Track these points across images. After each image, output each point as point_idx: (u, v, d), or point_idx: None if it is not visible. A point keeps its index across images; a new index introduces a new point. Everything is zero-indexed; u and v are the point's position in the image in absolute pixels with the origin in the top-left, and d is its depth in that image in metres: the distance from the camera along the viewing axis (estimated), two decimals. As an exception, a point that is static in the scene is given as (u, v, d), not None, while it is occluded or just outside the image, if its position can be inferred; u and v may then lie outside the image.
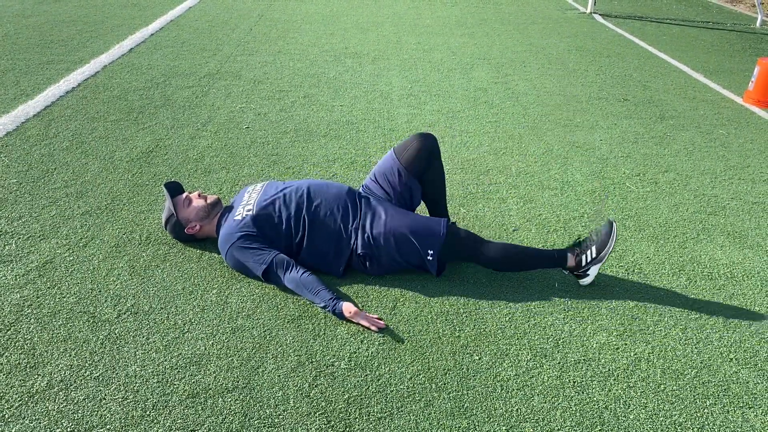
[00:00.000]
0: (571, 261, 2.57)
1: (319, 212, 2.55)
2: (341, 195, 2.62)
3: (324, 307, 2.33)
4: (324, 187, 2.65)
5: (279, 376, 2.05)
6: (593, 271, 2.55)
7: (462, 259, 2.64)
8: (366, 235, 2.52)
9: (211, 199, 2.68)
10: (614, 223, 2.55)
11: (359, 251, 2.52)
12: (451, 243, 2.52)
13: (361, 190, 2.75)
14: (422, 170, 2.67)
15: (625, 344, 2.31)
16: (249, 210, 2.54)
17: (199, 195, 2.69)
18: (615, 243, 2.55)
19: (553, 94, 5.14)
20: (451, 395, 2.02)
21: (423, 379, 2.08)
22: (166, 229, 2.71)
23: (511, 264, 2.60)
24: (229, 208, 2.66)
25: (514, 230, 3.02)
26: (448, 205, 2.93)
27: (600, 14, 8.78)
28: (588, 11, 8.82)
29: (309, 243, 2.53)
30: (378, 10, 8.11)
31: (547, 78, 5.58)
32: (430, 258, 2.51)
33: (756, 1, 9.03)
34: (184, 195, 2.69)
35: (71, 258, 2.58)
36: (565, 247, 2.66)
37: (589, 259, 2.53)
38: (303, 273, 2.41)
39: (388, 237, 2.51)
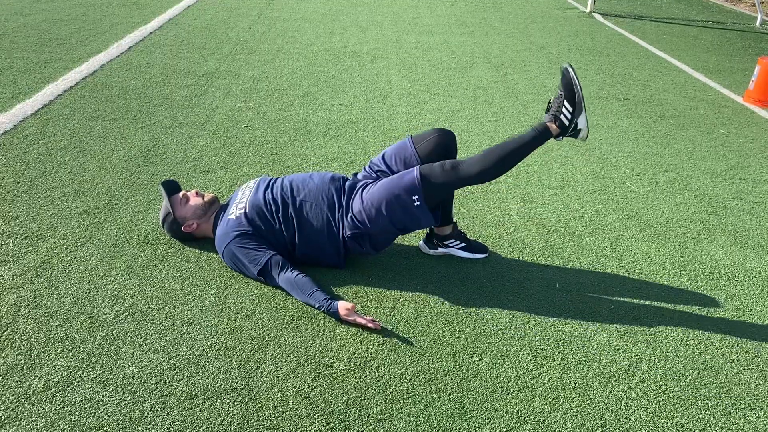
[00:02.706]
0: (553, 127, 2.41)
1: (305, 206, 2.53)
2: (324, 183, 2.58)
3: (318, 308, 2.32)
4: (307, 179, 2.61)
5: (278, 377, 2.04)
6: (582, 122, 2.40)
7: (450, 190, 2.54)
8: (350, 215, 2.49)
9: (208, 197, 2.67)
10: (567, 67, 2.39)
11: (348, 233, 2.49)
12: (431, 179, 2.40)
13: (361, 171, 2.71)
14: None
15: (626, 345, 2.30)
16: (242, 208, 2.53)
17: (196, 193, 2.68)
18: (580, 84, 2.39)
19: (552, 93, 5.12)
20: (451, 396, 2.01)
21: (423, 380, 2.07)
22: (163, 227, 2.69)
23: (500, 168, 2.44)
24: (225, 207, 2.65)
25: (514, 230, 3.00)
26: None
27: (600, 13, 8.77)
28: (588, 10, 8.81)
29: (301, 238, 2.51)
30: (377, 9, 8.10)
31: (547, 77, 5.57)
32: (418, 203, 2.40)
33: (756, 0, 9.02)
34: (182, 193, 2.67)
35: (69, 258, 2.56)
36: (539, 122, 2.47)
37: (568, 115, 2.39)
38: (297, 274, 2.39)
39: (369, 209, 2.44)
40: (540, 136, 2.42)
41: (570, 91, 2.37)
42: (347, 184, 2.60)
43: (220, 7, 7.47)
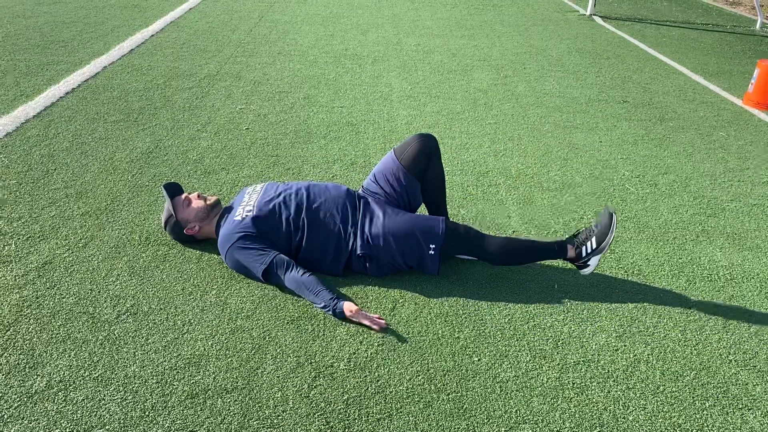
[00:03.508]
0: (571, 252, 2.59)
1: (319, 214, 2.56)
2: (340, 196, 2.63)
3: (324, 307, 2.34)
4: (323, 188, 2.66)
5: (278, 376, 2.05)
6: (594, 262, 2.57)
7: (462, 254, 2.66)
8: (365, 236, 2.53)
9: (210, 199, 2.69)
10: (614, 214, 2.56)
11: (358, 252, 2.52)
12: (451, 239, 2.54)
13: (360, 191, 2.76)
14: (422, 170, 2.68)
15: (625, 345, 2.31)
16: (249, 211, 2.54)
17: (198, 196, 2.69)
18: (615, 233, 2.57)
19: (552, 95, 5.14)
20: (450, 396, 2.02)
21: (422, 380, 2.08)
22: (165, 229, 2.71)
23: (512, 258, 2.63)
24: (229, 209, 2.66)
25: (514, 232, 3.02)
26: (448, 206, 2.92)
27: (600, 16, 8.79)
28: (588, 13, 8.83)
29: (308, 244, 2.53)
30: (378, 12, 8.12)
31: (547, 80, 5.58)
32: (432, 252, 2.52)
33: (756, 3, 9.04)
34: (184, 196, 2.69)
35: (71, 259, 2.58)
36: (564, 239, 2.67)
37: (589, 250, 2.54)
38: (303, 273, 2.41)
39: (387, 237, 2.52)
40: (558, 252, 2.61)
41: (603, 234, 2.53)
42: (361, 200, 2.65)
43: (221, 10, 7.49)
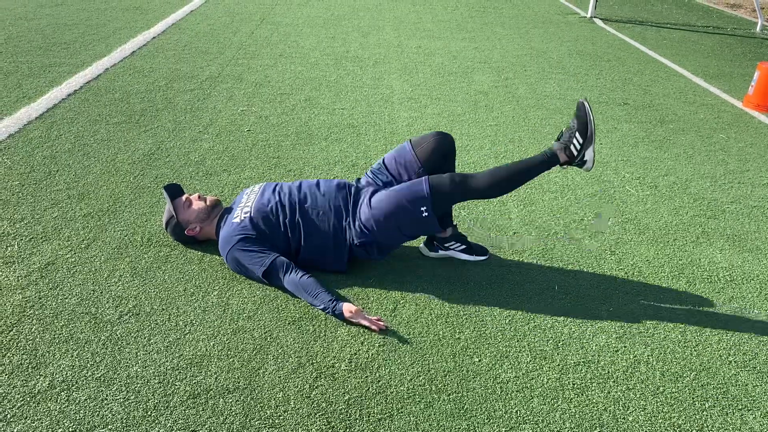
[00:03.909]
0: (562, 156, 2.51)
1: (312, 213, 2.56)
2: (332, 192, 2.61)
3: (324, 309, 2.34)
4: (314, 187, 2.65)
5: (279, 377, 2.06)
6: (590, 154, 2.49)
7: (456, 202, 2.63)
8: (357, 224, 2.53)
9: (210, 200, 2.70)
10: (585, 101, 2.47)
11: (356, 242, 2.53)
12: (439, 194, 2.47)
13: (363, 177, 2.75)
14: (435, 168, 2.63)
15: (625, 346, 2.32)
16: (247, 212, 2.56)
17: (199, 197, 2.70)
18: (594, 118, 2.47)
19: (553, 98, 5.15)
20: (451, 397, 2.03)
21: (423, 380, 2.09)
22: (166, 230, 2.72)
23: (506, 186, 2.56)
24: (229, 210, 2.68)
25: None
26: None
27: (600, 19, 8.80)
28: (588, 15, 8.84)
29: (307, 244, 2.54)
30: (379, 15, 8.14)
31: (548, 82, 5.60)
32: (426, 214, 2.46)
33: (756, 5, 9.06)
34: (185, 197, 2.70)
35: (73, 259, 2.59)
36: (549, 147, 2.56)
37: (578, 146, 2.47)
38: (303, 275, 2.42)
39: (378, 218, 2.49)
40: (548, 161, 2.52)
41: (583, 125, 2.46)
42: (353, 191, 2.63)
43: (222, 12, 7.51)
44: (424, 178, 2.51)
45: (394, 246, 2.64)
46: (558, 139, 2.54)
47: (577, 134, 2.47)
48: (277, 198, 2.59)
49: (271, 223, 2.53)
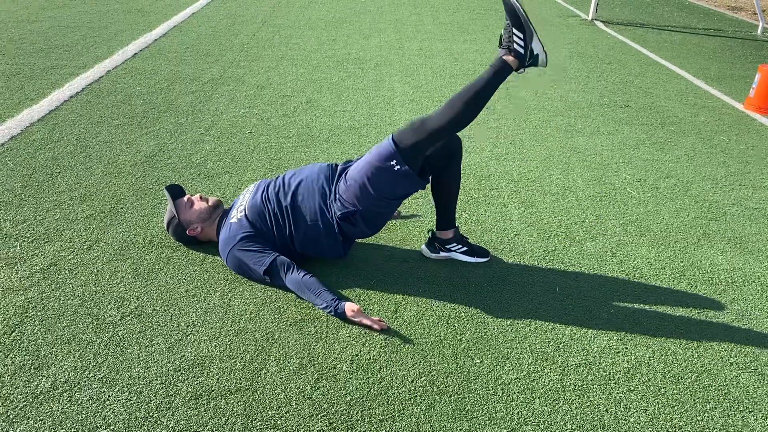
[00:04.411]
0: (510, 59, 2.37)
1: (297, 198, 2.55)
2: (314, 174, 2.60)
3: (326, 308, 2.35)
4: (298, 172, 2.64)
5: (281, 378, 2.06)
6: (537, 47, 2.37)
7: (427, 146, 2.45)
8: (338, 198, 2.51)
9: (212, 201, 2.71)
10: None
11: (338, 215, 2.50)
12: (405, 146, 2.39)
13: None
14: (440, 167, 2.62)
15: (626, 348, 2.32)
16: (242, 211, 2.57)
17: (200, 197, 2.71)
18: (522, 6, 2.33)
19: (554, 100, 5.16)
20: (452, 398, 2.03)
21: (424, 381, 2.09)
22: (168, 231, 2.73)
23: (467, 111, 2.40)
24: (229, 211, 2.69)
25: (515, 234, 3.03)
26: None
27: (601, 21, 8.81)
28: (590, 18, 8.85)
29: (298, 231, 2.54)
30: (380, 17, 8.15)
31: (549, 84, 5.60)
32: (398, 167, 2.38)
33: (757, 8, 9.06)
34: (186, 197, 2.71)
35: (75, 261, 2.59)
36: (495, 58, 2.43)
37: (520, 42, 2.35)
38: (305, 274, 2.42)
39: (353, 186, 2.45)
40: (500, 71, 2.38)
41: (515, 18, 2.33)
42: (338, 170, 2.60)
43: (224, 15, 7.53)
44: (387, 138, 2.43)
45: (381, 216, 2.56)
46: (500, 45, 2.41)
47: (515, 30, 2.34)
48: (266, 192, 2.60)
49: (264, 217, 2.54)
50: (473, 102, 2.40)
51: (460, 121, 2.42)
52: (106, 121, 4.06)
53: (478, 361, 2.20)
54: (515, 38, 2.35)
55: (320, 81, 5.21)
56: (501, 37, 2.42)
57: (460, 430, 1.92)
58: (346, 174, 2.53)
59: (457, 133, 2.57)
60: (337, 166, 2.64)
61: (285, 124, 4.23)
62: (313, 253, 2.58)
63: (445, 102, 2.43)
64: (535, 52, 2.38)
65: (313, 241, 2.56)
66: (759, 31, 8.89)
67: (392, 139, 2.42)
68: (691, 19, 9.70)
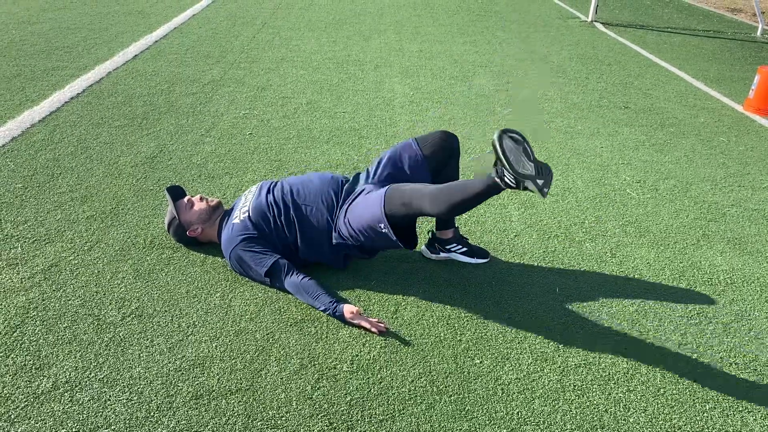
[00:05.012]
0: (503, 184, 2.20)
1: (305, 209, 2.56)
2: (324, 187, 2.61)
3: (324, 311, 2.36)
4: (307, 182, 2.65)
5: (282, 378, 2.07)
6: (533, 186, 2.15)
7: (412, 220, 2.49)
8: (337, 228, 2.53)
9: (212, 202, 2.72)
10: (494, 138, 2.19)
11: (339, 241, 2.53)
12: (393, 215, 2.37)
13: (363, 172, 2.70)
14: (439, 166, 2.63)
15: (626, 348, 2.33)
16: (245, 212, 2.57)
17: (200, 198, 2.72)
18: (502, 152, 2.14)
19: (554, 101, 5.17)
20: (452, 398, 2.04)
21: (424, 382, 2.10)
22: (168, 231, 2.73)
23: (452, 213, 2.37)
24: (230, 212, 2.69)
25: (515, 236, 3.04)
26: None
27: (601, 23, 8.82)
28: (589, 20, 8.86)
29: (303, 239, 2.55)
30: (380, 18, 8.16)
31: (549, 86, 5.61)
32: (385, 230, 2.39)
33: (757, 10, 9.08)
34: (186, 198, 2.72)
35: (76, 261, 2.60)
36: (489, 175, 2.27)
37: (511, 178, 2.16)
38: (303, 277, 2.43)
39: (350, 228, 2.48)
40: (493, 189, 2.27)
41: (502, 160, 2.17)
42: (345, 188, 2.62)
43: (224, 16, 7.54)
44: (381, 198, 2.39)
45: (379, 248, 2.59)
46: (495, 165, 2.23)
47: (506, 170, 2.16)
48: (272, 196, 2.60)
49: (268, 221, 2.55)
50: (460, 208, 2.35)
51: (443, 216, 2.55)
52: (106, 123, 4.07)
53: (478, 361, 2.21)
54: (507, 174, 2.17)
55: (320, 82, 5.22)
56: (495, 164, 2.23)
57: (460, 430, 1.93)
58: (347, 210, 2.52)
59: (455, 133, 2.62)
60: (341, 181, 2.66)
61: (285, 125, 4.24)
62: (316, 260, 2.60)
63: (437, 188, 2.33)
64: (530, 190, 2.17)
65: (317, 250, 2.58)
66: (758, 33, 8.90)
67: (383, 207, 2.36)
68: (691, 20, 9.71)
